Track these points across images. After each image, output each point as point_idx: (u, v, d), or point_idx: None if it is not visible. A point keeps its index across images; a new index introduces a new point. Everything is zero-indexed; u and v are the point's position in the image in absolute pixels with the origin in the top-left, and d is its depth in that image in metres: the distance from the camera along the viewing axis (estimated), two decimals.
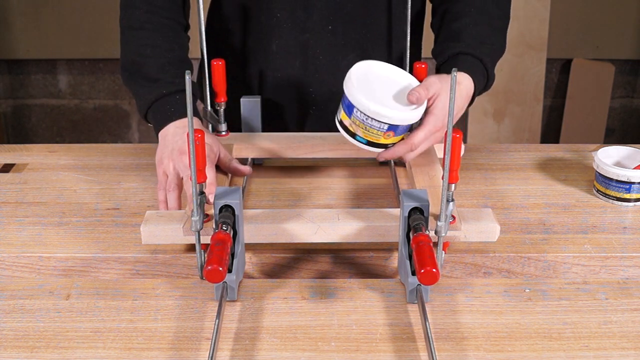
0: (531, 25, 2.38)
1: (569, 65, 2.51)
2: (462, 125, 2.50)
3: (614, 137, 2.64)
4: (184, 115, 0.91)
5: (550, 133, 2.63)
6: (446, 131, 0.68)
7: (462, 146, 0.90)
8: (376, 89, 0.85)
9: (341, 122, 0.86)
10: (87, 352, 0.66)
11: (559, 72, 2.54)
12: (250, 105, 1.03)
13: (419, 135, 0.86)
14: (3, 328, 0.70)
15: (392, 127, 0.82)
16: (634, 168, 0.94)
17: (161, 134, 0.91)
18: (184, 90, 0.92)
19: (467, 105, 0.95)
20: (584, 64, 2.50)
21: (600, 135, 2.56)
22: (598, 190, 0.95)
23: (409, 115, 0.83)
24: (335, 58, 1.07)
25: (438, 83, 0.87)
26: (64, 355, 0.66)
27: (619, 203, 0.94)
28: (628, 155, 0.98)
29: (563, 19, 2.42)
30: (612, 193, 0.93)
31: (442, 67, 0.96)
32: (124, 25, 0.97)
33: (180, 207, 0.85)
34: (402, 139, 0.86)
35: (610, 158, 0.98)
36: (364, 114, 0.81)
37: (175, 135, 0.89)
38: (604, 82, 2.51)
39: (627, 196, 0.93)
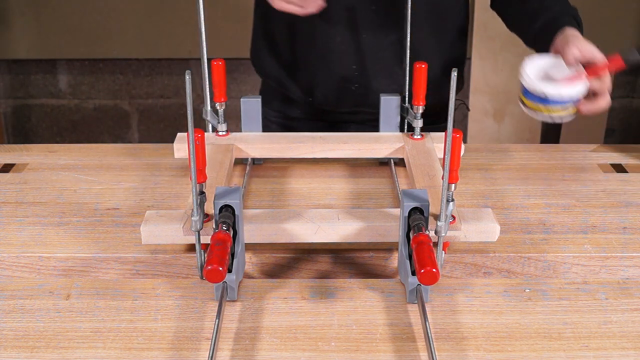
0: None
1: None
2: (462, 125, 2.49)
3: (614, 137, 2.64)
4: None
5: (550, 133, 2.63)
6: (446, 131, 0.68)
7: (462, 146, 0.90)
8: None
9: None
10: (87, 352, 0.66)
11: None
12: (250, 105, 1.03)
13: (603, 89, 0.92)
14: (3, 328, 0.70)
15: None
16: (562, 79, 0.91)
17: None
18: None
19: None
20: None
21: (600, 135, 2.55)
22: (523, 103, 0.94)
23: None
24: (377, 37, 1.08)
25: (569, 43, 0.93)
26: (64, 355, 0.66)
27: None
28: (553, 65, 0.95)
29: None
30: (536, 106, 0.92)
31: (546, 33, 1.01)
32: None
33: None
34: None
35: (537, 70, 0.94)
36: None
37: None
38: None
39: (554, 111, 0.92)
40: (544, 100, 0.91)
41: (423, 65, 0.95)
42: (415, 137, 1.01)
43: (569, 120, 0.93)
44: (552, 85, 0.90)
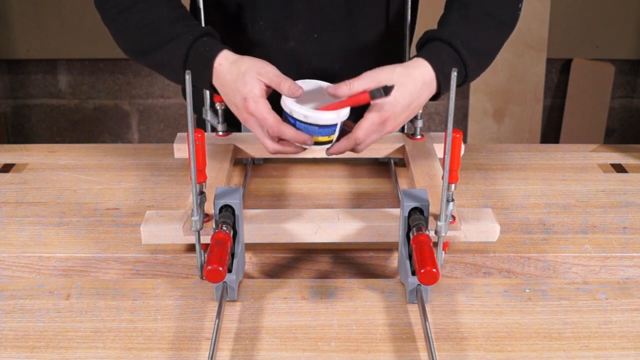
0: (531, 25, 2.38)
1: (569, 65, 2.51)
2: (462, 125, 2.50)
3: (614, 137, 2.64)
4: (223, 48, 0.86)
5: (550, 133, 2.63)
6: (446, 131, 0.68)
7: (462, 146, 0.90)
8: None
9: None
10: (87, 352, 0.66)
11: (559, 72, 2.54)
12: None
13: (360, 129, 0.82)
14: (3, 328, 0.70)
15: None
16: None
17: (215, 82, 0.85)
18: (207, 34, 0.87)
19: (426, 95, 0.86)
20: (584, 64, 2.50)
21: (600, 135, 2.56)
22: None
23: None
24: (321, 67, 1.04)
25: (378, 73, 0.82)
26: (64, 355, 0.66)
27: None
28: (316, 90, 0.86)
29: (563, 19, 2.42)
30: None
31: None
32: (114, 12, 0.91)
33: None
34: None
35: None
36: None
37: (227, 76, 0.83)
38: (604, 82, 2.51)
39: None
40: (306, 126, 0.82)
41: None
42: (415, 137, 1.01)
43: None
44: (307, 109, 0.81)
